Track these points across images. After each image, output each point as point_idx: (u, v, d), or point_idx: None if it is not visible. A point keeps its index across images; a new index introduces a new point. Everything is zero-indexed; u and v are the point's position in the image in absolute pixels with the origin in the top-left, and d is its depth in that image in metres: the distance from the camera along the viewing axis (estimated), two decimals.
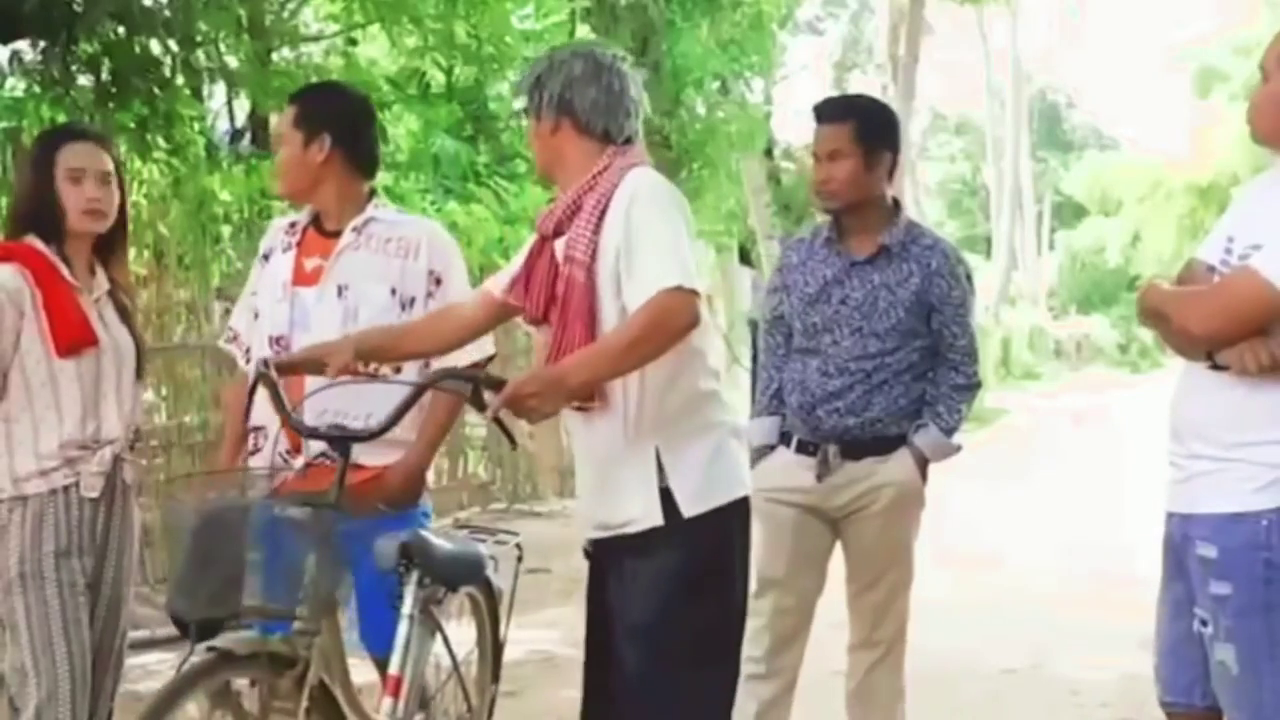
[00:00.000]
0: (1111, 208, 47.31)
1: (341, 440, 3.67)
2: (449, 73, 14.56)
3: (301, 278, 4.37)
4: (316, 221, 4.46)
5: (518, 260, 3.86)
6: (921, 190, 47.22)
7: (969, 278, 4.81)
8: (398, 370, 4.25)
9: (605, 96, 3.65)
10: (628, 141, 3.68)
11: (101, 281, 4.20)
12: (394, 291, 4.34)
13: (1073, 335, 47.68)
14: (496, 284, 3.92)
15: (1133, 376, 39.72)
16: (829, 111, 4.79)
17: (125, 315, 4.26)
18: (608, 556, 3.69)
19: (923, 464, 4.76)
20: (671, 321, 3.41)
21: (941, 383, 4.75)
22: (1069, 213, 55.04)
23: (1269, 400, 3.36)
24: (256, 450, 4.43)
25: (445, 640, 3.98)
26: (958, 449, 4.83)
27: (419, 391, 3.66)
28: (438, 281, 4.38)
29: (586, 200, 3.60)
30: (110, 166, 4.18)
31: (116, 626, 4.21)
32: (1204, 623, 3.45)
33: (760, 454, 4.88)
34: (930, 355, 4.75)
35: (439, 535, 3.82)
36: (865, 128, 4.69)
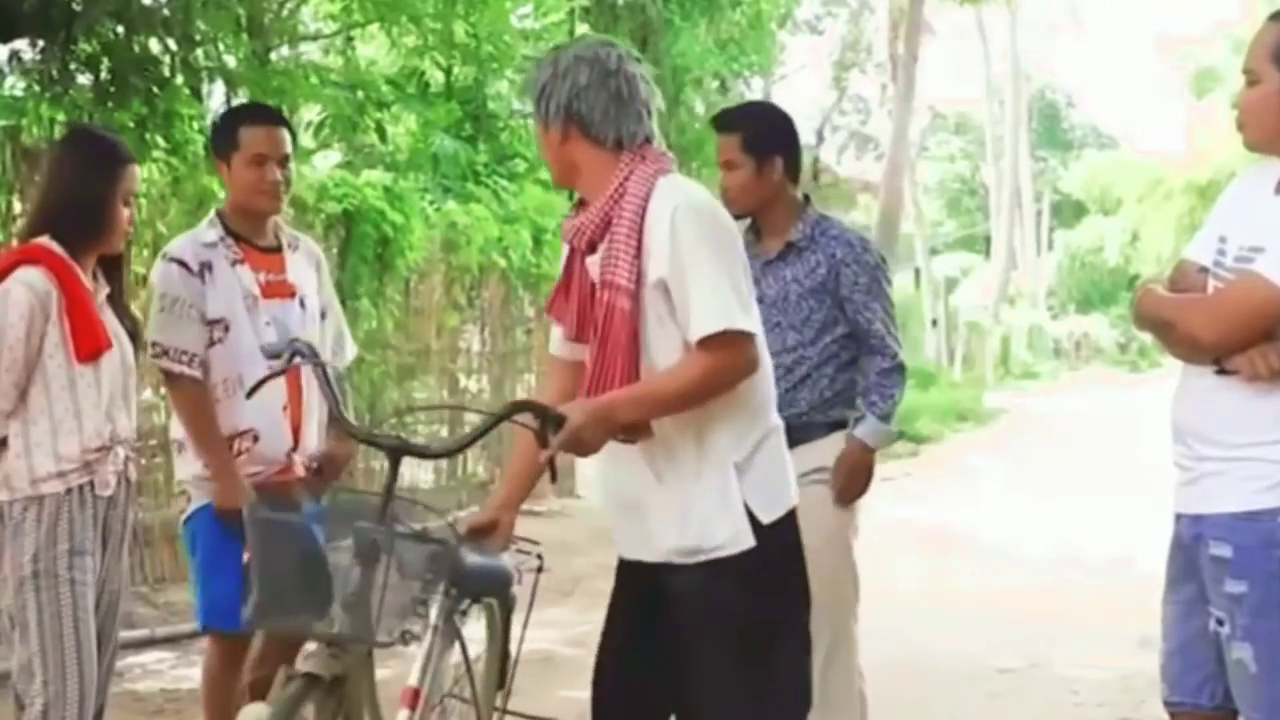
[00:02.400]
0: (1111, 207, 47.29)
1: (397, 451, 3.59)
2: (448, 72, 14.57)
3: (265, 290, 4.70)
4: (237, 236, 4.73)
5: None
6: (920, 189, 47.27)
7: (878, 265, 4.84)
8: None
9: (614, 104, 3.54)
10: (646, 142, 3.57)
11: (102, 285, 4.24)
12: (318, 302, 4.87)
13: (1072, 334, 47.73)
14: (555, 337, 3.82)
15: (1132, 375, 39.73)
16: (722, 123, 4.92)
17: (124, 317, 4.28)
18: (675, 579, 3.58)
19: (868, 454, 4.79)
20: (729, 373, 3.42)
21: (869, 371, 4.81)
22: (1068, 212, 55.03)
23: (1273, 401, 3.35)
24: (241, 454, 4.67)
25: (464, 650, 3.93)
26: (898, 434, 4.89)
27: (496, 421, 3.52)
28: (330, 291, 4.97)
29: (618, 215, 3.49)
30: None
31: (113, 623, 4.24)
32: (1220, 622, 3.44)
33: None
34: (852, 345, 4.80)
35: (466, 546, 3.72)
36: (752, 137, 4.78)
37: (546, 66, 3.61)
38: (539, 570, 4.04)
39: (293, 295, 4.74)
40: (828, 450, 4.76)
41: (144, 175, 8.51)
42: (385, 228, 10.77)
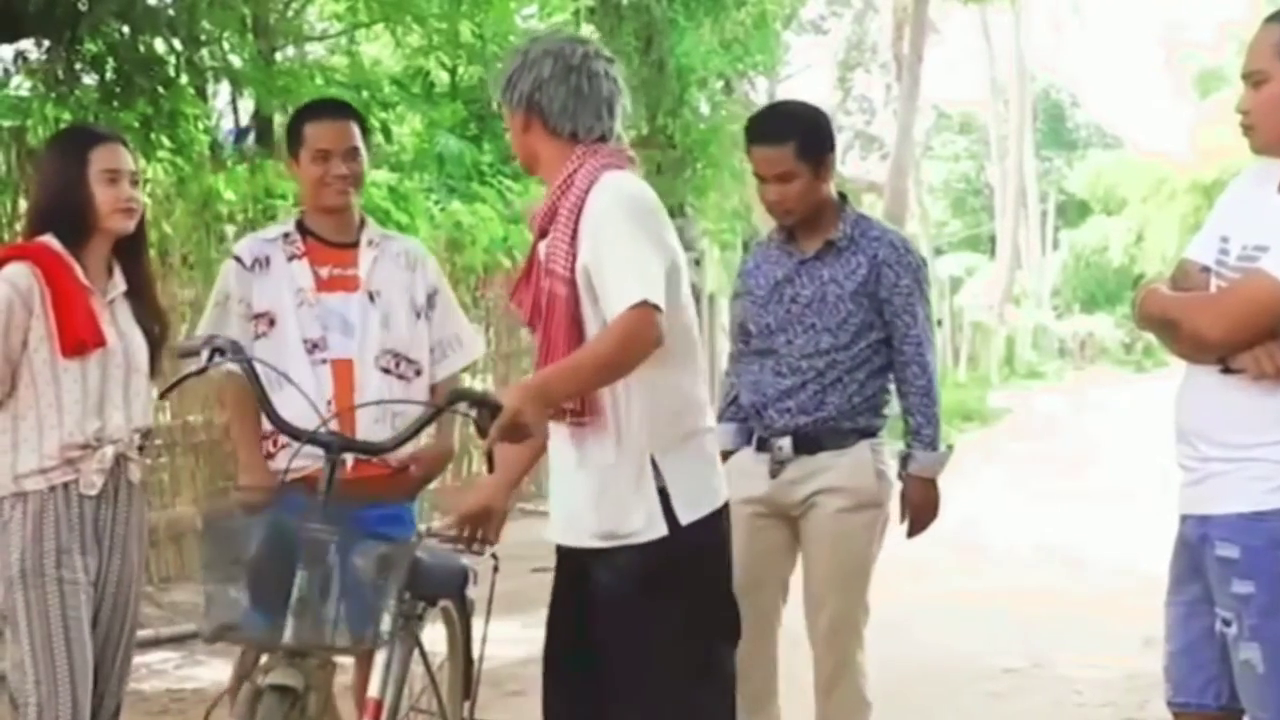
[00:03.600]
0: (1115, 206, 47.30)
1: (334, 448, 3.55)
2: (453, 72, 14.57)
3: (324, 284, 4.57)
4: (309, 233, 4.63)
5: None
6: (925, 189, 47.25)
7: (920, 268, 4.75)
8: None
9: (574, 99, 3.62)
10: (601, 139, 3.65)
11: (119, 282, 4.21)
12: (411, 301, 4.65)
13: (1077, 334, 47.72)
14: None
15: (1137, 375, 39.70)
16: (769, 133, 4.67)
17: (145, 314, 4.27)
18: (595, 565, 3.63)
19: (929, 486, 4.70)
20: (638, 341, 3.42)
21: (907, 392, 4.67)
22: (1073, 211, 55.00)
23: (1278, 400, 3.34)
24: (283, 447, 4.47)
25: (424, 658, 3.84)
26: (950, 451, 4.80)
27: (436, 413, 3.56)
28: (433, 293, 4.72)
29: (562, 205, 3.59)
30: (135, 167, 4.24)
31: (123, 624, 4.22)
32: (1226, 623, 3.43)
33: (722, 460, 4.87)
34: (885, 351, 4.68)
35: (417, 547, 3.66)
36: (808, 143, 4.61)
37: (517, 56, 3.71)
38: (495, 570, 3.97)
39: (356, 288, 4.59)
40: (849, 466, 4.63)
41: (149, 175, 8.55)
42: (389, 228, 10.77)
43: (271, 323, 4.52)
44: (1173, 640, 3.66)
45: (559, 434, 3.63)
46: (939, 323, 37.03)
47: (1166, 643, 3.66)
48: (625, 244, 3.47)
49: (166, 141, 8.27)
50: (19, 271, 4.01)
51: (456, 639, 4.11)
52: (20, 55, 7.92)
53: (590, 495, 3.61)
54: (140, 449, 4.24)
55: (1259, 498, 3.36)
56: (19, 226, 7.14)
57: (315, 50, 12.96)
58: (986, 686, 6.84)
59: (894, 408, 4.82)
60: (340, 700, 4.01)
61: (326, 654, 3.47)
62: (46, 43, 7.74)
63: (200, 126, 8.85)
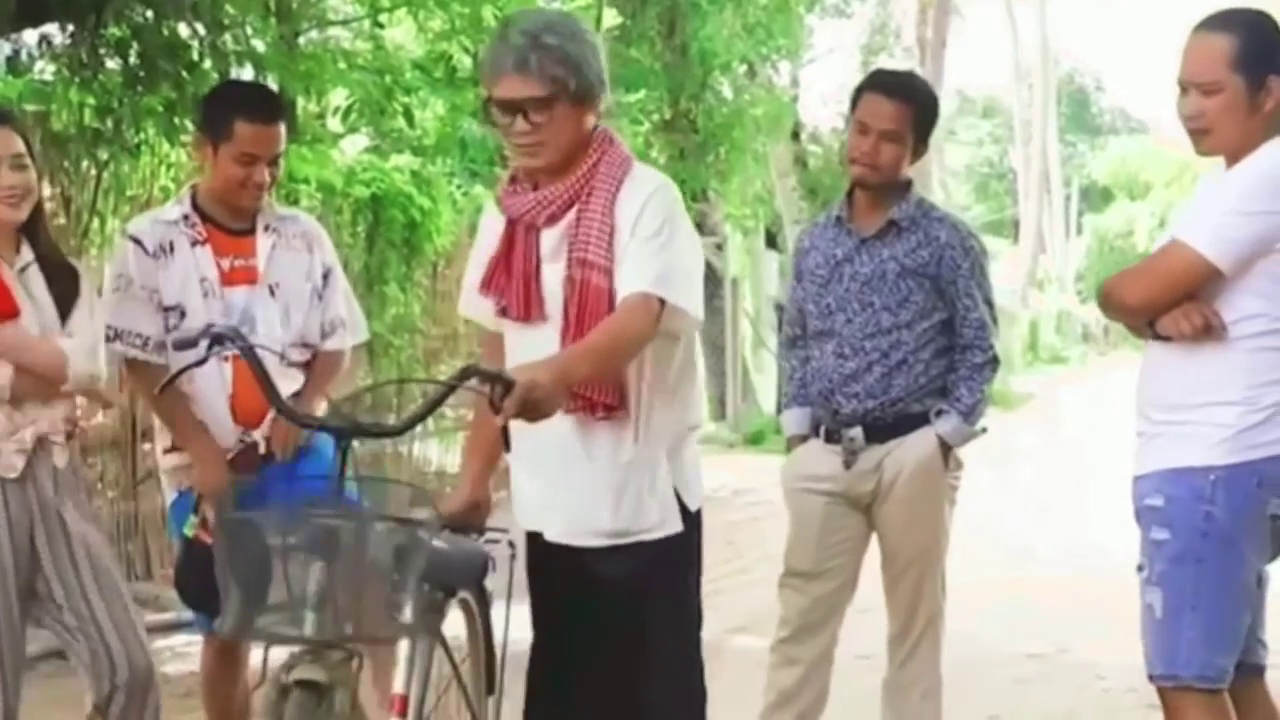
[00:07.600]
0: (1139, 191, 47.11)
1: (345, 433, 3.35)
2: (475, 56, 14.53)
3: (227, 277, 4.46)
4: (208, 218, 4.50)
5: (479, 257, 3.70)
6: (948, 173, 47.08)
7: (982, 252, 4.74)
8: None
9: (605, 73, 3.50)
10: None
11: (26, 254, 4.07)
12: (310, 284, 4.58)
13: (1100, 319, 47.45)
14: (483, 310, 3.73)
15: None
16: (895, 88, 4.65)
17: (55, 275, 4.11)
18: (602, 561, 3.56)
19: (945, 450, 4.67)
20: (642, 330, 3.37)
21: (960, 364, 4.66)
22: (1097, 197, 54.83)
23: (1214, 366, 3.55)
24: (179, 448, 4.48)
25: (447, 650, 3.71)
26: (982, 432, 4.77)
27: (448, 390, 3.33)
28: (327, 272, 4.63)
29: (588, 193, 3.45)
30: (21, 148, 3.97)
31: (90, 604, 4.07)
32: (1140, 568, 3.66)
33: (794, 444, 4.86)
34: (948, 332, 4.66)
35: (432, 534, 3.47)
36: (923, 116, 4.63)
37: (577, 36, 3.46)
38: (512, 558, 3.83)
39: (256, 282, 4.49)
40: (919, 452, 4.63)
41: (172, 159, 8.57)
42: (413, 212, 10.78)
43: (183, 315, 4.41)
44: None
45: (557, 426, 3.40)
46: None
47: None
48: (664, 238, 3.40)
49: (190, 126, 8.27)
50: None
51: (477, 631, 3.97)
52: (44, 39, 7.91)
53: (606, 492, 3.51)
54: (69, 435, 4.10)
55: (1187, 454, 3.57)
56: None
57: (338, 34, 12.94)
58: (1011, 672, 6.84)
59: None
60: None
61: (350, 646, 3.35)
62: (70, 27, 7.73)
63: None
